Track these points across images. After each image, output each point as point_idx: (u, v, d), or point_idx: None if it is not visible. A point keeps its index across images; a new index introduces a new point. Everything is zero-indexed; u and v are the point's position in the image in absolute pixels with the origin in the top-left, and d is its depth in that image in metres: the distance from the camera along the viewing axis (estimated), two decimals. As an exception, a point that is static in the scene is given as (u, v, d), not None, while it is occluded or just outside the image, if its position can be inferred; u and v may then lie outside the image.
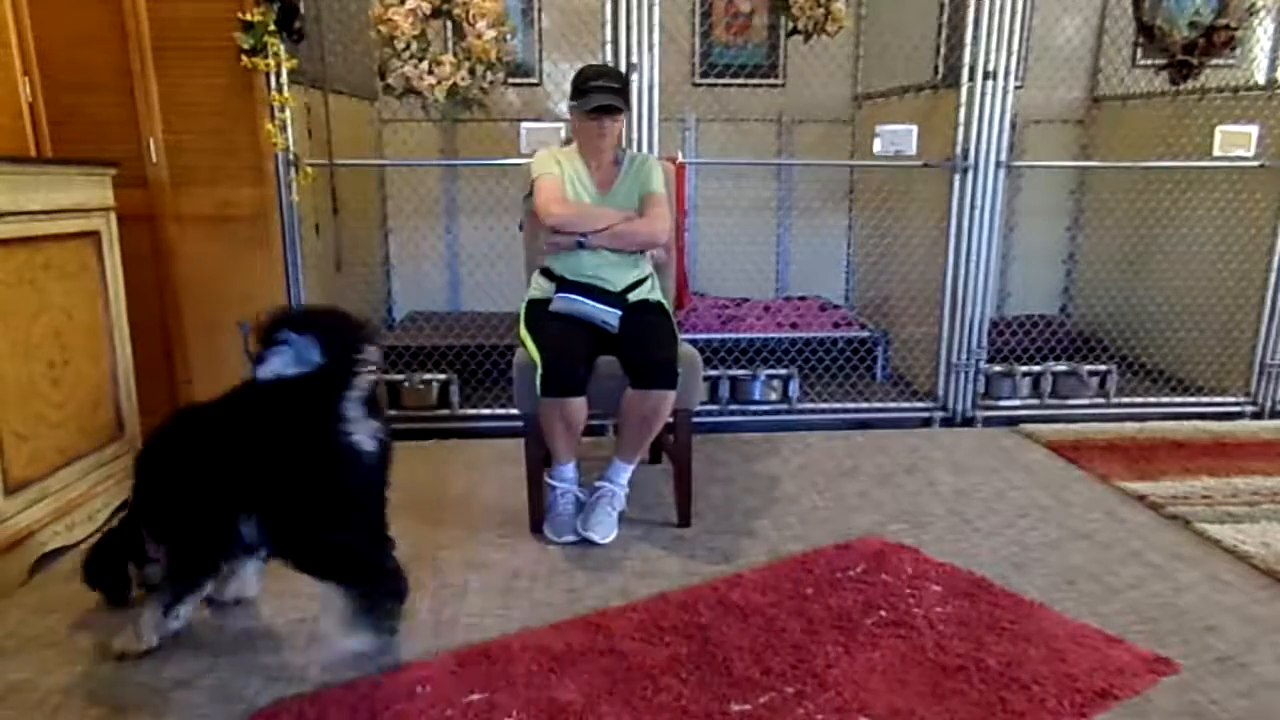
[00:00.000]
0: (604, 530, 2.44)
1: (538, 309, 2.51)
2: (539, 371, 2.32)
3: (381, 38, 3.02)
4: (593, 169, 2.56)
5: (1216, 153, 3.49)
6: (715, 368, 3.52)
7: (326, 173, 3.26)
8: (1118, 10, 4.19)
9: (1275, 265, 3.53)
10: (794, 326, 3.99)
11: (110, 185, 2.54)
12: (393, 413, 3.37)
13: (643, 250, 2.58)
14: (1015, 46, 3.28)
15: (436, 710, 1.69)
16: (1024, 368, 3.62)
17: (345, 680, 1.79)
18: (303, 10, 2.98)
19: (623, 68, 3.11)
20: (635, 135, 3.19)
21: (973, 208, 3.40)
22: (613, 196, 2.55)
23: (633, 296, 2.53)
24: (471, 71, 3.05)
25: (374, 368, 1.76)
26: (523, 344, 2.47)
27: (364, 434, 1.75)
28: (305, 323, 1.74)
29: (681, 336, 2.57)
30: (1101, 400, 3.64)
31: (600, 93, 2.41)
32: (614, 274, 2.51)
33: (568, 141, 2.70)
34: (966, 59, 3.30)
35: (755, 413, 3.53)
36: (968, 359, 3.54)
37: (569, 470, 2.49)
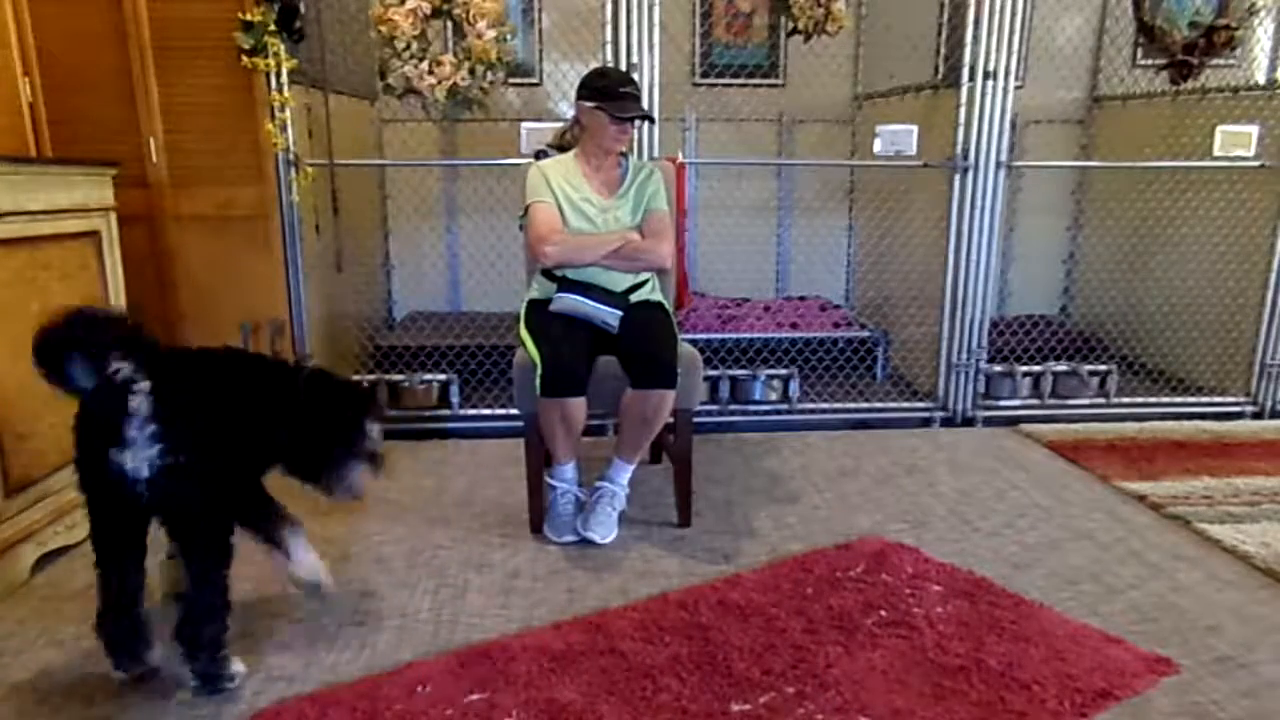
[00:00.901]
0: (604, 530, 2.44)
1: (538, 309, 2.51)
2: (539, 371, 2.32)
3: (381, 38, 3.02)
4: (592, 169, 2.55)
5: (1216, 153, 3.50)
6: (715, 368, 3.52)
7: (326, 173, 3.25)
8: (1118, 10, 4.20)
9: (1275, 265, 3.53)
10: (794, 326, 3.99)
11: (110, 185, 2.53)
12: (393, 413, 3.38)
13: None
14: (1015, 46, 3.28)
15: (436, 710, 1.69)
16: (1024, 368, 3.61)
17: (345, 680, 1.79)
18: (303, 10, 2.98)
19: (623, 67, 3.11)
20: (636, 135, 3.19)
21: (973, 208, 3.40)
22: (617, 203, 2.55)
23: (634, 297, 2.53)
24: (471, 71, 3.05)
25: (139, 386, 1.58)
26: (523, 344, 2.47)
27: (138, 460, 1.58)
28: (74, 343, 1.58)
29: (681, 336, 2.57)
30: (1101, 400, 3.64)
31: (633, 101, 2.49)
32: (615, 274, 2.51)
33: (561, 145, 2.67)
34: (966, 59, 3.30)
35: (755, 413, 3.53)
36: (968, 359, 3.54)
37: (569, 470, 2.49)
